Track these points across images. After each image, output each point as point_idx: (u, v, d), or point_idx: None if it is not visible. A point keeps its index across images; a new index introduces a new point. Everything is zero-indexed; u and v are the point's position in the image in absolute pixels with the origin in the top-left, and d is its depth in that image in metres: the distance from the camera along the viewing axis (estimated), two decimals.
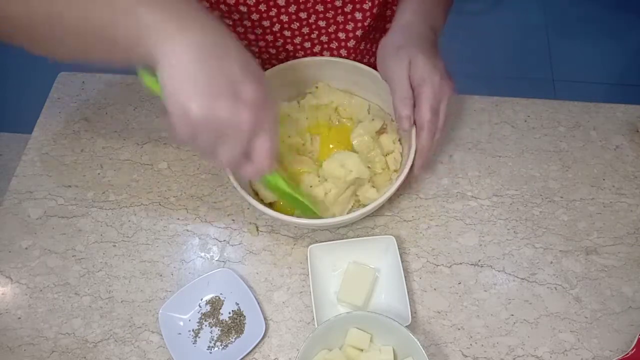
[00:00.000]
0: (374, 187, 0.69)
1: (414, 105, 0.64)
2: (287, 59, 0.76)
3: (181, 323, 0.65)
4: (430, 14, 0.71)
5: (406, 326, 0.58)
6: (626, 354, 0.62)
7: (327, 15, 0.74)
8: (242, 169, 0.53)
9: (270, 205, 0.69)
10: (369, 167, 0.69)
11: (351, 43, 0.78)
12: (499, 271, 0.68)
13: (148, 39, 0.47)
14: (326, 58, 0.74)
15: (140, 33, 0.47)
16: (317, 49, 0.79)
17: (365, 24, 0.75)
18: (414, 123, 0.64)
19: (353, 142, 0.70)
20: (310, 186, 0.67)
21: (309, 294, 0.66)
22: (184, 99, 0.47)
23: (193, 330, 0.65)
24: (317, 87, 0.76)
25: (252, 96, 0.49)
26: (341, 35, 0.77)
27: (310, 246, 0.66)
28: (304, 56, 0.78)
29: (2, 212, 0.74)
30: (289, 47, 0.77)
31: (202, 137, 0.49)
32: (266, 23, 0.72)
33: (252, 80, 0.50)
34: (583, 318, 0.65)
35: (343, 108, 0.75)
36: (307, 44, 0.78)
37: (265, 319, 0.65)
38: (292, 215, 0.65)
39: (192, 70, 0.47)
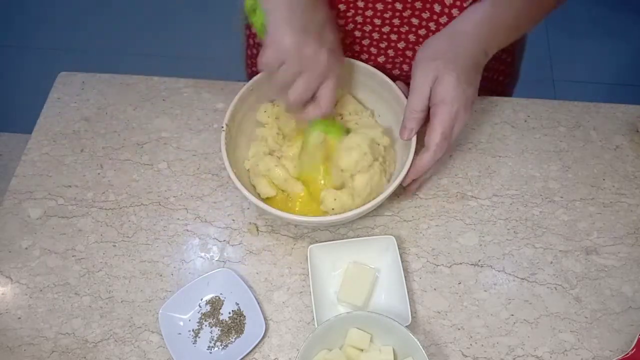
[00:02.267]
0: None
1: (424, 120, 0.64)
2: (368, 48, 0.77)
3: (181, 323, 0.65)
4: (491, 33, 0.66)
5: (406, 326, 0.58)
6: (626, 354, 0.62)
7: (423, 15, 0.71)
8: (306, 109, 0.65)
9: (269, 200, 0.69)
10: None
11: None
12: (499, 271, 0.68)
13: None
14: None
15: None
16: (401, 45, 0.77)
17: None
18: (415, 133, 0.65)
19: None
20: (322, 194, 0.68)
21: (309, 294, 0.66)
22: (281, 32, 0.60)
23: (193, 330, 0.65)
24: None
25: (331, 44, 0.63)
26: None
27: (310, 246, 0.66)
28: (384, 49, 0.78)
29: (2, 212, 0.74)
30: (375, 35, 0.75)
31: (286, 66, 0.61)
32: (369, 12, 0.72)
33: (332, 32, 0.64)
34: (583, 318, 0.65)
35: (342, 106, 0.75)
36: (394, 36, 0.75)
37: (265, 319, 0.65)
38: (291, 212, 0.66)
39: (291, 14, 0.60)
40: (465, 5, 0.67)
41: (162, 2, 2.20)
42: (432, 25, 0.72)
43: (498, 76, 0.88)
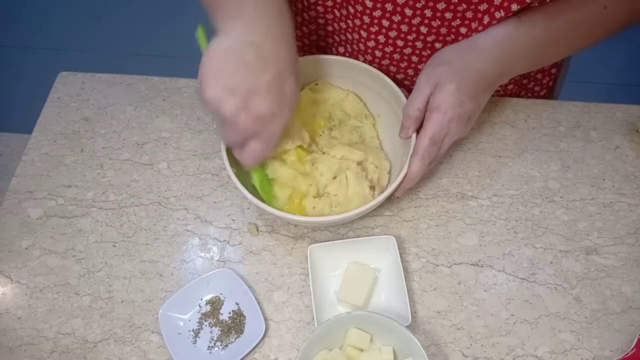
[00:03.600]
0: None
1: (421, 120, 0.64)
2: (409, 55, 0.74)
3: (181, 323, 0.65)
4: (511, 54, 0.64)
5: (406, 326, 0.58)
6: (626, 354, 0.62)
7: (441, 30, 0.70)
8: (235, 151, 0.61)
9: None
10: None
11: None
12: (499, 271, 0.68)
13: (216, 14, 0.57)
14: (331, 57, 0.74)
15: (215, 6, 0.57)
16: (407, 50, 0.74)
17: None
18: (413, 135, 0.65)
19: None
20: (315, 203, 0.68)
21: (309, 294, 0.66)
22: (203, 79, 0.54)
23: (193, 330, 0.65)
24: (316, 84, 0.76)
25: (259, 110, 0.55)
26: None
27: (310, 246, 0.66)
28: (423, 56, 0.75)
29: (2, 212, 0.74)
30: (419, 43, 0.73)
31: (212, 114, 0.57)
32: (404, 28, 0.70)
33: (271, 97, 0.55)
34: (583, 318, 0.65)
35: (341, 106, 0.75)
36: (400, 42, 0.73)
37: (265, 319, 0.65)
38: (293, 213, 0.66)
39: (223, 61, 0.54)
40: (484, 21, 0.66)
41: (162, 2, 2.20)
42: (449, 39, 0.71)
43: (534, 86, 0.87)
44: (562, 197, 0.73)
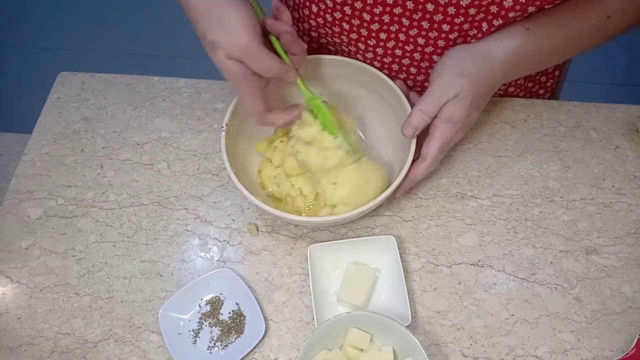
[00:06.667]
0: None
1: (427, 125, 0.65)
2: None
3: (181, 323, 0.65)
4: (516, 63, 0.66)
5: (406, 326, 0.58)
6: (626, 354, 0.62)
7: (430, 34, 0.69)
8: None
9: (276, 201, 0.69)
10: None
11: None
12: (499, 271, 0.68)
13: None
14: (332, 57, 0.74)
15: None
16: (390, 43, 0.73)
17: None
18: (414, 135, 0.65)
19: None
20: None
21: (309, 294, 0.66)
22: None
23: (193, 330, 0.65)
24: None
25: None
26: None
27: (310, 246, 0.66)
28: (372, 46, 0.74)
29: (2, 212, 0.74)
30: (417, 55, 0.72)
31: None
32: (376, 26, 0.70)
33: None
34: (583, 318, 0.65)
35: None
36: (392, 43, 0.72)
37: (265, 319, 0.65)
38: (293, 213, 0.65)
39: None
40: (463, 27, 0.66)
41: (162, 2, 2.20)
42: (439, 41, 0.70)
43: (538, 89, 0.87)
44: (562, 197, 0.73)
